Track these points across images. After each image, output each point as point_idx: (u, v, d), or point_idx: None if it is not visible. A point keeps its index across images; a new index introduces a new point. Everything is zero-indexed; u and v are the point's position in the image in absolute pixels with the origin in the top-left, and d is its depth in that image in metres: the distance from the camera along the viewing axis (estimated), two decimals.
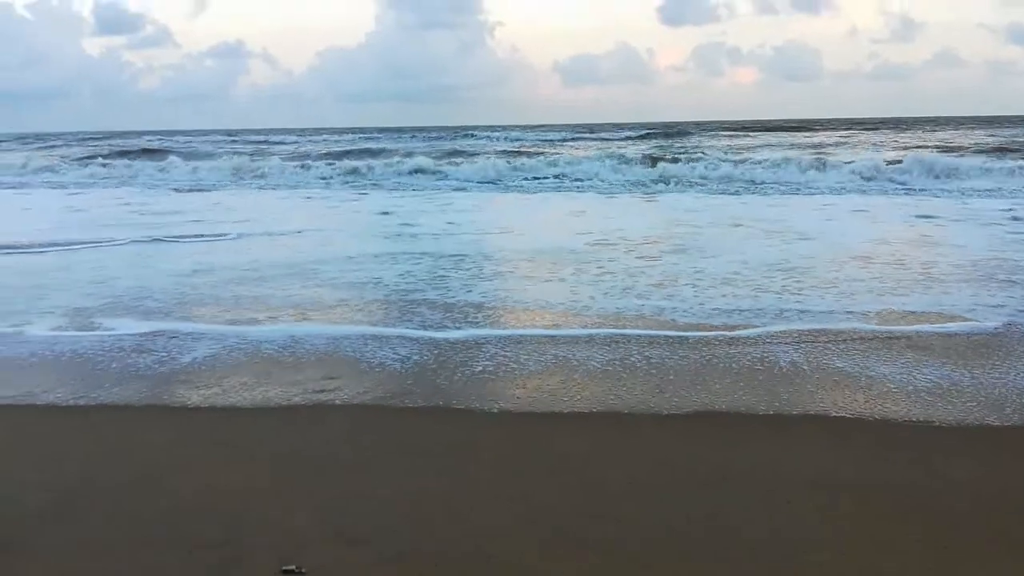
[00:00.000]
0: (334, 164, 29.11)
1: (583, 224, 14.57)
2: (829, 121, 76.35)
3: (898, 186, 20.83)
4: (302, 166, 28.77)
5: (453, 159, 28.98)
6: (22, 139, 65.73)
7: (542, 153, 33.62)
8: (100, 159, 35.08)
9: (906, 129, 54.47)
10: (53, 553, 3.31)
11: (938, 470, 4.08)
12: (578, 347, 6.31)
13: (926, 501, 3.74)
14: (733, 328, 6.77)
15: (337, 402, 5.18)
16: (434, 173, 26.32)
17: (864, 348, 6.16)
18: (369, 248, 11.59)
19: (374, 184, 24.74)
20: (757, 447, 4.41)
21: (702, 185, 22.29)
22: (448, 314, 7.41)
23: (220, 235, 13.30)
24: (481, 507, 3.70)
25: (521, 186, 23.57)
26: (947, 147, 33.02)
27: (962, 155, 26.33)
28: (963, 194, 18.78)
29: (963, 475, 4.02)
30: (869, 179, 21.94)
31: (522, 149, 37.68)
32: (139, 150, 40.62)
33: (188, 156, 34.76)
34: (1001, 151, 28.63)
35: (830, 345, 6.26)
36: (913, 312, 7.29)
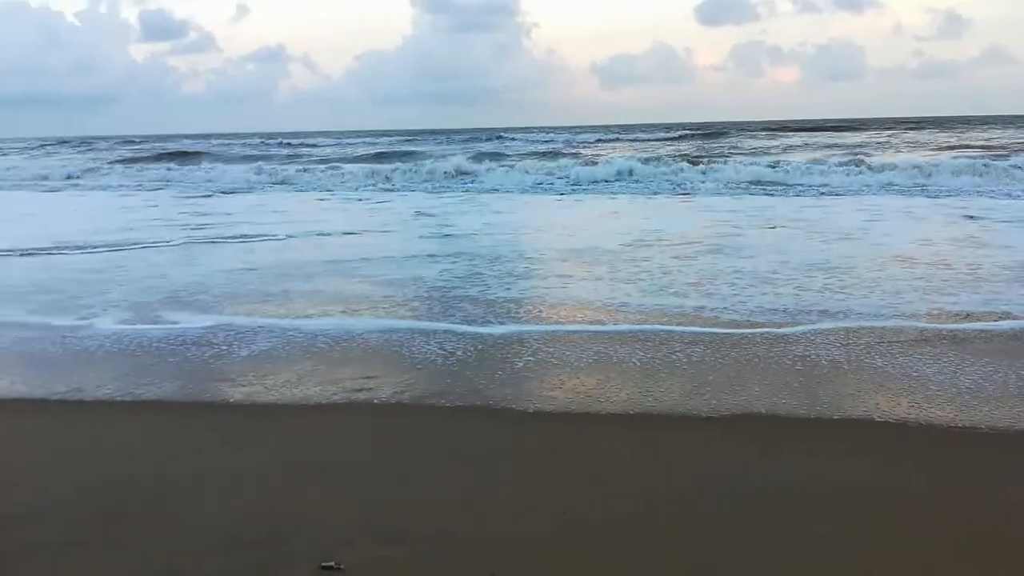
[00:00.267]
0: (372, 166, 29.37)
1: (619, 224, 14.51)
2: (873, 120, 75.12)
3: (941, 187, 20.37)
4: (340, 169, 29.06)
5: (489, 161, 29.04)
6: (69, 143, 67.30)
7: (577, 154, 33.59)
8: (145, 163, 35.81)
9: (952, 128, 53.26)
10: (104, 550, 3.37)
11: (986, 483, 3.95)
12: (619, 344, 6.31)
13: (974, 520, 3.59)
14: (779, 326, 6.71)
15: (375, 401, 5.21)
16: (470, 175, 26.41)
17: (909, 348, 6.03)
18: (411, 248, 11.78)
19: (411, 186, 24.90)
20: (795, 453, 4.32)
21: (739, 185, 22.05)
22: (490, 310, 7.56)
23: (267, 235, 13.57)
24: (521, 513, 3.67)
25: (555, 186, 23.54)
26: (994, 146, 32.29)
27: (1009, 155, 25.67)
28: (1010, 196, 18.31)
29: (1019, 492, 3.84)
30: (912, 179, 21.49)
31: (558, 150, 37.68)
32: (183, 152, 41.41)
33: (229, 160, 35.36)
34: None
35: (875, 344, 6.14)
36: (964, 311, 7.13)
